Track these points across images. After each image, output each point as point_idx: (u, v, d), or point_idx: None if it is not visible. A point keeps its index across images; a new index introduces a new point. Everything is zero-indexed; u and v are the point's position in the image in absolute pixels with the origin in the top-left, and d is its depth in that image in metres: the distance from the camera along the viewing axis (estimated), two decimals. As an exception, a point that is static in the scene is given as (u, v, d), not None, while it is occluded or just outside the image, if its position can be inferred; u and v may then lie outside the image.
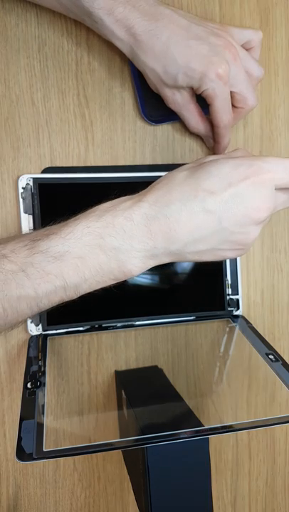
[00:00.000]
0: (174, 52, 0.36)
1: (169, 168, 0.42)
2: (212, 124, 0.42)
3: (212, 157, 0.36)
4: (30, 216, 0.41)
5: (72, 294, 0.32)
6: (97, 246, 0.31)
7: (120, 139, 0.44)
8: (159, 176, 0.44)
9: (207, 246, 0.33)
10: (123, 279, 0.33)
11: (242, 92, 0.39)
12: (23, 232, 0.41)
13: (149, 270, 0.33)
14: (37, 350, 0.40)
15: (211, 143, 0.44)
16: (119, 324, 0.44)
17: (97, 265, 0.31)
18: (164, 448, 0.30)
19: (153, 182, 0.43)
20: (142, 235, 0.32)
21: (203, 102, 0.40)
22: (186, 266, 0.45)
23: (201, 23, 0.38)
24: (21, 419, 0.30)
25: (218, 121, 0.40)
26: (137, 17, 0.36)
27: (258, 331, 0.44)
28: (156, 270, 0.43)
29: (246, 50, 0.41)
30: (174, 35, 0.36)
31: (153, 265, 0.34)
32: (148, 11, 0.36)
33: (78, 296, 0.32)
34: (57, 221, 0.33)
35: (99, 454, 0.45)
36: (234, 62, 0.38)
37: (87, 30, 0.42)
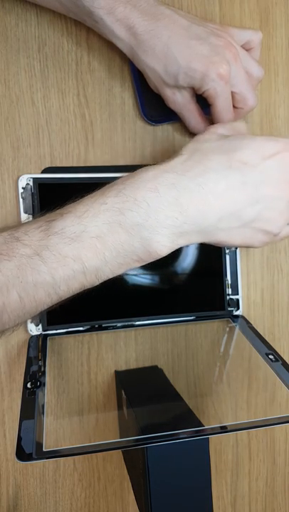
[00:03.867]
0: (175, 52, 0.36)
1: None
2: (213, 124, 0.42)
3: (220, 127, 0.35)
4: (31, 216, 0.41)
5: (94, 280, 0.30)
6: (116, 223, 0.28)
7: (120, 139, 0.44)
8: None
9: (240, 222, 0.32)
10: (149, 260, 0.30)
11: (242, 93, 0.39)
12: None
13: (149, 270, 0.32)
14: (37, 350, 0.40)
15: None
16: (119, 324, 0.44)
17: (118, 245, 0.29)
18: (164, 448, 0.30)
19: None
20: (169, 209, 0.29)
21: (203, 102, 0.40)
22: (186, 266, 0.45)
23: (202, 24, 0.38)
24: (21, 419, 0.30)
25: (219, 121, 0.40)
26: (138, 17, 0.36)
27: (258, 331, 0.44)
28: (156, 270, 0.43)
29: (246, 50, 0.41)
30: (175, 35, 0.36)
31: (182, 245, 0.31)
32: (148, 10, 0.36)
33: (100, 281, 0.30)
34: (72, 200, 0.31)
35: (99, 454, 0.45)
36: (234, 62, 0.38)
37: (87, 30, 0.42)
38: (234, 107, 0.40)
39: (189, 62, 0.36)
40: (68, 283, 0.29)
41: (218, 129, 0.35)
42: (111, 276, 0.30)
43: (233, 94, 0.39)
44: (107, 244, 0.29)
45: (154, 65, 0.38)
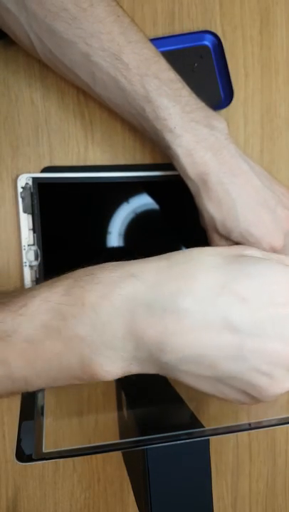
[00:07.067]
0: (239, 213, 0.36)
1: (170, 167, 0.42)
2: None
3: (254, 251, 0.30)
4: (30, 216, 0.41)
5: (24, 388, 0.25)
6: (55, 329, 0.23)
7: (120, 138, 0.44)
8: (159, 176, 0.44)
9: (212, 373, 0.24)
10: (91, 381, 0.25)
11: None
12: (22, 232, 0.41)
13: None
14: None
15: None
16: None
17: (53, 356, 0.23)
18: (164, 449, 0.30)
19: (153, 182, 0.44)
20: (121, 327, 0.23)
21: None
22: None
23: (272, 187, 0.38)
24: (21, 420, 0.30)
25: None
26: (215, 166, 0.35)
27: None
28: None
29: None
30: (244, 195, 0.36)
31: (137, 372, 0.25)
32: (227, 162, 0.35)
33: (35, 389, 0.26)
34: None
35: (99, 455, 0.45)
36: None
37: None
38: None
39: (249, 226, 0.36)
40: None
41: (248, 251, 0.29)
42: (47, 387, 0.26)
43: None
44: (40, 352, 0.24)
45: (214, 213, 0.37)
